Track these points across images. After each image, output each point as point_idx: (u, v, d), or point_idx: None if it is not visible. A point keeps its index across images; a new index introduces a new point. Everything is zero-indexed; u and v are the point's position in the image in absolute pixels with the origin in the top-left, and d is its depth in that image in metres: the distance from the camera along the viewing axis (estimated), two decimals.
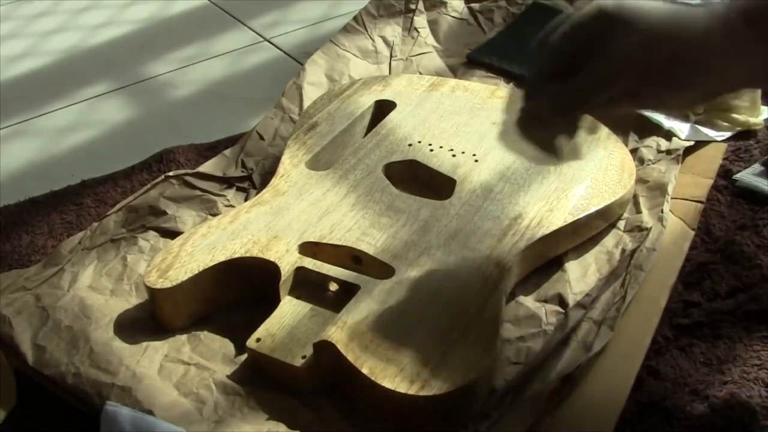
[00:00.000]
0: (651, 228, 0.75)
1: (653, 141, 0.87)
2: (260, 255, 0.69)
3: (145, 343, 0.67)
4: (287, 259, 0.68)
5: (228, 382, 0.63)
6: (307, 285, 0.68)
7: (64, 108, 1.09)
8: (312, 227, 0.71)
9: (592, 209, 0.73)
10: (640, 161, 0.84)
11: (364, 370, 0.58)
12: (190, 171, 0.86)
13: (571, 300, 0.69)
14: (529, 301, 0.70)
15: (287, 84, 1.01)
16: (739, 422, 0.59)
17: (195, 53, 1.19)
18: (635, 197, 0.79)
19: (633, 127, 0.89)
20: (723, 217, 0.79)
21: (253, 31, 1.25)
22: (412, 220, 0.72)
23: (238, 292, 0.71)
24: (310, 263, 0.68)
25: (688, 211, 0.79)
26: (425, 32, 1.10)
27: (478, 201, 0.74)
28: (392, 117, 0.86)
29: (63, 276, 0.73)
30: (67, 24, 1.31)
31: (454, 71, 1.04)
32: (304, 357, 0.62)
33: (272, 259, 0.68)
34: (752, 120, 0.90)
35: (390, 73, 1.04)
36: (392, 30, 1.10)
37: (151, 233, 0.79)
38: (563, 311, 0.68)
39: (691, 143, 0.87)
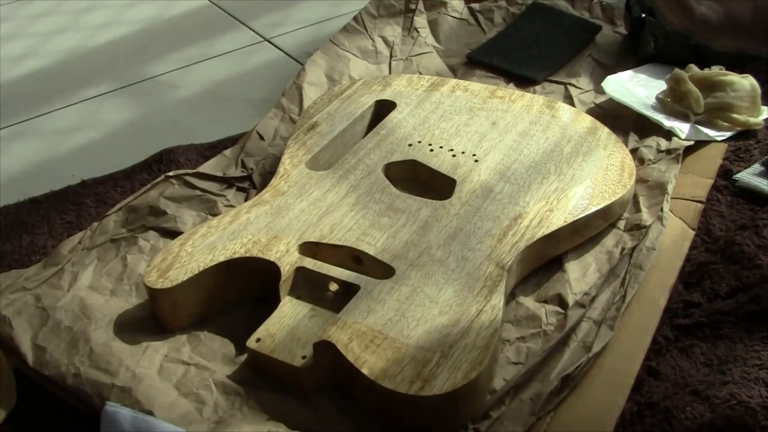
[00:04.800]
0: (650, 226, 0.75)
1: (653, 141, 0.87)
2: (260, 255, 0.69)
3: (145, 344, 0.67)
4: (287, 259, 0.68)
5: (228, 382, 0.63)
6: (307, 285, 0.68)
7: (65, 108, 1.09)
8: (312, 227, 0.71)
9: (592, 209, 0.73)
10: (640, 161, 0.84)
11: (364, 370, 0.58)
12: (190, 171, 0.86)
13: (571, 300, 0.69)
14: (529, 301, 0.70)
15: (287, 84, 1.01)
16: (740, 422, 0.59)
17: (195, 53, 1.19)
18: (635, 196, 0.79)
19: (633, 127, 0.89)
20: (723, 217, 0.79)
21: (254, 31, 1.25)
22: (412, 220, 0.72)
23: (238, 292, 0.71)
24: (310, 263, 0.68)
25: (688, 211, 0.79)
26: (425, 32, 1.10)
27: (478, 201, 0.74)
28: (392, 117, 0.86)
29: (63, 276, 0.74)
30: (68, 24, 1.31)
31: (454, 71, 1.04)
32: (304, 357, 0.62)
33: (272, 259, 0.68)
34: (752, 120, 0.90)
35: (390, 73, 1.04)
36: (392, 30, 1.10)
37: (151, 233, 0.79)
38: (563, 311, 0.68)
39: (691, 143, 0.87)
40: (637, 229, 0.75)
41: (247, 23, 1.27)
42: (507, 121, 0.84)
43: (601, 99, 0.95)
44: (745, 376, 0.63)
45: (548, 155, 0.79)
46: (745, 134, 0.90)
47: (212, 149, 0.95)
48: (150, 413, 0.60)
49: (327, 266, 0.68)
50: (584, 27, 1.08)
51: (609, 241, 0.75)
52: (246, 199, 0.84)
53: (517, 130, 0.83)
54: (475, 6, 1.14)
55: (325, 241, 0.70)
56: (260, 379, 0.64)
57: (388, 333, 0.61)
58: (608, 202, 0.74)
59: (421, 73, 1.03)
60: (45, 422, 0.65)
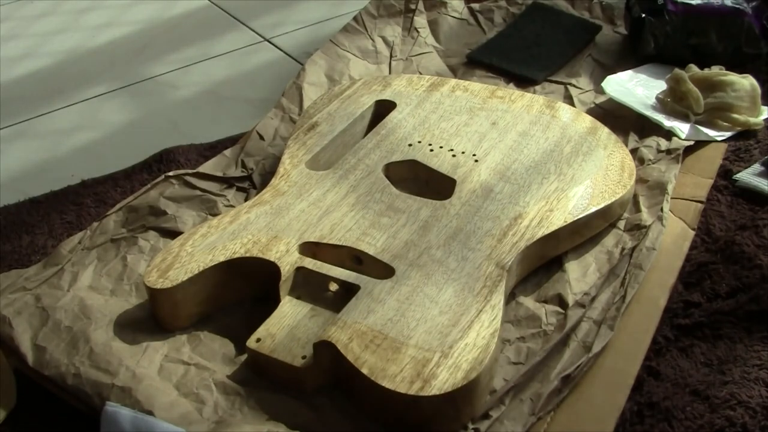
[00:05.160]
0: (650, 226, 0.75)
1: (653, 141, 0.87)
2: (260, 255, 0.69)
3: (145, 344, 0.67)
4: (287, 259, 0.68)
5: (228, 382, 0.63)
6: (307, 285, 0.68)
7: (65, 108, 1.09)
8: (312, 227, 0.71)
9: (592, 209, 0.73)
10: (640, 161, 0.84)
11: (364, 370, 0.58)
12: (190, 171, 0.86)
13: (571, 300, 0.69)
14: (529, 301, 0.70)
15: (287, 84, 1.01)
16: (740, 422, 0.59)
17: (195, 54, 1.19)
18: (635, 196, 0.79)
19: (633, 127, 0.89)
20: (723, 217, 0.79)
21: (254, 31, 1.25)
22: (412, 220, 0.72)
23: (238, 292, 0.71)
24: (310, 263, 0.68)
25: (688, 211, 0.79)
26: (425, 32, 1.10)
27: (478, 201, 0.74)
28: (392, 117, 0.86)
29: (63, 276, 0.74)
30: (68, 25, 1.31)
31: (454, 71, 1.04)
32: (304, 357, 0.62)
33: (272, 259, 0.68)
34: (752, 120, 0.90)
35: (390, 73, 1.04)
36: (392, 30, 1.10)
37: (151, 233, 0.79)
38: (563, 311, 0.68)
39: (691, 143, 0.87)
40: (637, 229, 0.75)
41: (247, 23, 1.27)
42: (507, 121, 0.84)
43: (601, 99, 0.95)
44: (745, 376, 0.63)
45: (548, 155, 0.79)
46: (745, 134, 0.90)
47: (212, 149, 0.95)
48: (150, 413, 0.60)
49: (327, 266, 0.68)
50: (584, 27, 1.08)
51: (609, 241, 0.75)
52: (246, 199, 0.84)
53: (517, 130, 0.83)
54: (475, 6, 1.14)
55: (325, 241, 0.70)
56: (260, 379, 0.64)
57: (388, 333, 0.61)
58: (608, 202, 0.74)
59: (421, 73, 1.03)
60: (45, 422, 0.65)
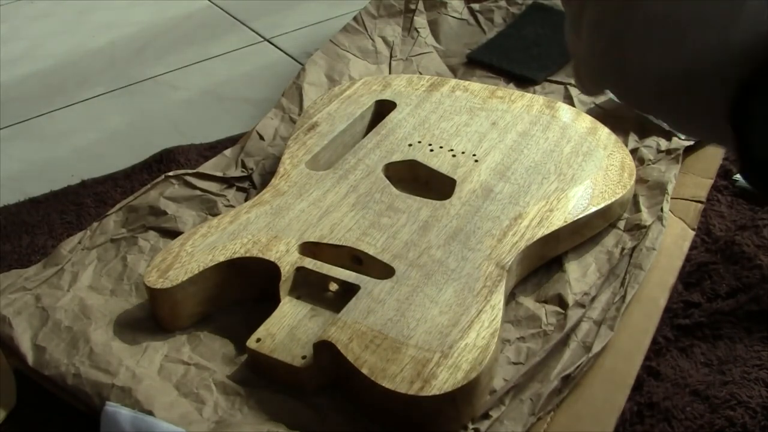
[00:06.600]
0: (650, 226, 0.75)
1: (653, 141, 0.87)
2: (260, 255, 0.69)
3: (145, 344, 0.67)
4: (287, 259, 0.68)
5: (228, 382, 0.64)
6: (307, 285, 0.68)
7: (65, 108, 1.09)
8: (312, 227, 0.71)
9: (592, 209, 0.73)
10: (640, 161, 0.84)
11: (364, 370, 0.58)
12: (190, 171, 0.86)
13: (571, 300, 0.69)
14: (529, 302, 0.70)
15: (287, 84, 1.01)
16: (739, 422, 0.59)
17: (195, 54, 1.20)
18: (635, 197, 0.79)
19: (633, 127, 0.89)
20: (723, 217, 0.79)
21: (254, 31, 1.25)
22: (412, 220, 0.72)
23: (238, 292, 0.71)
24: (310, 263, 0.68)
25: (688, 211, 0.79)
26: (425, 32, 1.10)
27: (478, 201, 0.74)
28: (392, 117, 0.86)
29: (63, 276, 0.74)
30: (68, 25, 1.31)
31: (454, 71, 1.04)
32: (304, 357, 0.62)
33: (272, 259, 0.68)
34: None
35: (390, 73, 1.04)
36: (392, 30, 1.10)
37: (151, 233, 0.79)
38: (563, 311, 0.68)
39: (691, 143, 0.87)
40: (637, 229, 0.75)
41: (247, 23, 1.27)
42: (507, 121, 0.84)
43: (601, 99, 0.95)
44: (745, 376, 0.63)
45: (548, 155, 0.79)
46: None
47: (212, 149, 0.95)
48: (150, 413, 0.60)
49: (327, 266, 0.68)
50: None
51: (609, 241, 0.75)
52: (246, 199, 0.84)
53: (517, 130, 0.83)
54: (475, 6, 1.14)
55: (325, 241, 0.70)
56: (260, 379, 0.64)
57: (388, 333, 0.61)
58: (608, 202, 0.74)
59: (421, 73, 1.03)
60: (45, 422, 0.65)
